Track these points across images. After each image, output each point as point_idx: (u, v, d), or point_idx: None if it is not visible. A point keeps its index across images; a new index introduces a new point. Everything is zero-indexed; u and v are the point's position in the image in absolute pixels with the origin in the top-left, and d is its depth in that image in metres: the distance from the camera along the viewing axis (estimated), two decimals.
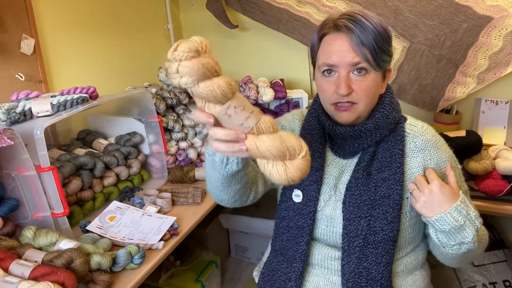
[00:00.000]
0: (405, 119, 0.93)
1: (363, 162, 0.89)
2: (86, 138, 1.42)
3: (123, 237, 1.06)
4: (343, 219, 0.87)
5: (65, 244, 0.92)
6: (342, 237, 0.87)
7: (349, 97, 0.83)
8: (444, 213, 0.78)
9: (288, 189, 0.94)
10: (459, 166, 0.93)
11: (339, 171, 0.93)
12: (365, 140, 0.88)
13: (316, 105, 0.96)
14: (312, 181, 0.91)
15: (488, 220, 1.68)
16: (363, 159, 0.89)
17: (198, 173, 1.45)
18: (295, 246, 0.91)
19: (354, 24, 0.81)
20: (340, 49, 0.82)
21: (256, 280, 1.09)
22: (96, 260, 0.89)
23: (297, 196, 0.92)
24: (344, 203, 0.87)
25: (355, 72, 0.83)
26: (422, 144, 0.88)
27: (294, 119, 1.02)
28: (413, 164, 0.88)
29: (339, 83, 0.83)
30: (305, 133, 0.97)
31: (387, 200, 0.84)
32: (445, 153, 0.90)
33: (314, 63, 0.92)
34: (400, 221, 0.84)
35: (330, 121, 0.90)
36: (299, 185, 0.92)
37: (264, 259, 1.10)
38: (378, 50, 0.81)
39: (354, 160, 0.92)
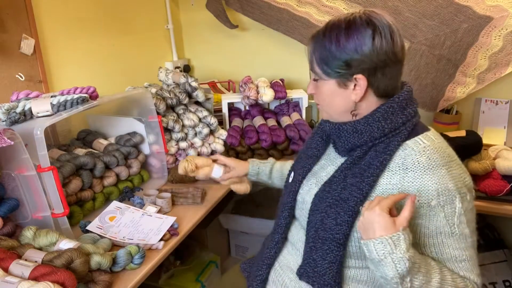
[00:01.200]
0: (422, 132, 0.84)
1: (346, 163, 0.89)
2: (86, 138, 1.42)
3: (123, 237, 1.06)
4: (309, 208, 0.90)
5: (65, 244, 0.92)
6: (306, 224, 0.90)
7: (315, 99, 0.92)
8: (369, 240, 0.72)
9: (290, 172, 1.05)
10: (459, 206, 0.77)
11: (332, 165, 0.94)
12: (345, 140, 0.89)
13: None
14: (303, 166, 0.99)
15: (488, 220, 1.68)
16: (347, 161, 0.89)
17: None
18: (278, 220, 1.00)
19: (318, 32, 0.86)
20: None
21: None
22: (96, 260, 0.89)
23: (291, 177, 1.02)
24: (315, 194, 0.90)
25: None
26: (409, 164, 0.79)
27: None
28: (391, 181, 0.80)
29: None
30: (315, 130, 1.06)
31: (343, 203, 0.83)
32: (436, 183, 0.77)
33: None
34: (351, 226, 0.82)
35: (323, 119, 0.96)
36: (294, 169, 1.04)
37: None
38: (319, 61, 0.85)
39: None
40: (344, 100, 0.87)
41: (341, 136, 0.89)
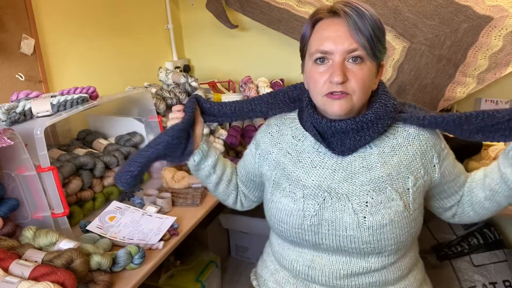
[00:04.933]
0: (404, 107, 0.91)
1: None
2: (86, 138, 1.42)
3: (123, 237, 1.06)
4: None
5: (65, 244, 0.92)
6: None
7: (343, 87, 0.79)
8: None
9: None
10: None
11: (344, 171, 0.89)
12: (367, 132, 0.84)
13: (306, 102, 0.91)
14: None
15: (488, 220, 1.68)
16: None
17: None
18: None
19: (351, 9, 0.78)
20: (335, 35, 0.79)
21: (254, 284, 1.08)
22: (96, 260, 0.89)
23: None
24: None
25: (350, 61, 0.79)
26: (415, 131, 0.87)
27: (267, 131, 0.99)
28: (410, 152, 0.86)
29: (333, 70, 0.79)
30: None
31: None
32: (440, 139, 0.90)
33: (303, 53, 0.89)
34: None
35: (326, 118, 0.85)
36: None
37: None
38: (375, 39, 0.78)
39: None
40: (371, 87, 0.84)
41: (363, 129, 0.83)
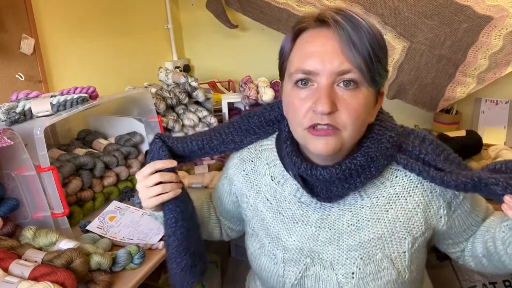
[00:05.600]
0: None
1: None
2: (86, 138, 1.42)
3: (123, 237, 1.06)
4: None
5: (65, 244, 0.92)
6: None
7: (330, 118, 0.61)
8: None
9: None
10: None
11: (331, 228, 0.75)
12: (357, 179, 0.68)
13: (286, 134, 0.74)
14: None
15: None
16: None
17: (198, 172, 1.45)
18: None
19: (343, 18, 0.60)
20: (322, 50, 0.61)
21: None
22: (96, 260, 0.89)
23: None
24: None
25: (341, 85, 0.62)
26: (418, 178, 0.70)
27: (241, 167, 0.84)
28: (411, 203, 0.71)
29: (318, 96, 0.61)
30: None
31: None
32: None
33: (282, 72, 0.71)
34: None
35: (305, 163, 0.68)
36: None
37: None
38: (374, 58, 0.60)
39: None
40: (367, 121, 0.67)
41: (352, 176, 0.67)
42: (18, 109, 1.08)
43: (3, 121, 1.07)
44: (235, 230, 0.99)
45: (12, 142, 0.92)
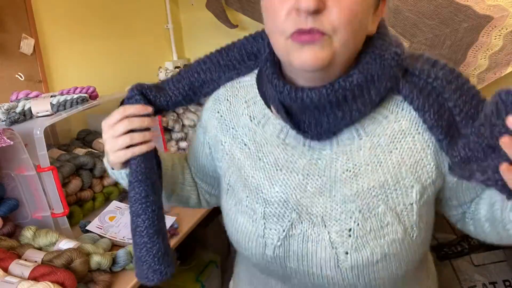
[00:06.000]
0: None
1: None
2: (86, 138, 1.42)
3: (123, 237, 1.06)
4: None
5: (65, 244, 0.92)
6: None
7: (317, 21, 0.48)
8: None
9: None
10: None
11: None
12: (353, 105, 0.55)
13: (266, 55, 0.61)
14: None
15: None
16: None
17: None
18: None
19: None
20: None
21: None
22: (96, 260, 0.89)
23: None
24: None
25: None
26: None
27: (215, 109, 0.70)
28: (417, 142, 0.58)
29: None
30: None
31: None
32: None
33: None
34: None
35: (289, 85, 0.55)
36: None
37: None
38: None
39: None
40: (364, 29, 0.53)
41: (346, 101, 0.54)
42: (18, 109, 1.08)
43: (3, 121, 1.07)
44: (213, 195, 0.82)
45: (12, 142, 0.91)
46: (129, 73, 1.82)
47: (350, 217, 0.58)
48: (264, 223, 0.62)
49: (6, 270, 0.81)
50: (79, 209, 1.17)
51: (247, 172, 0.65)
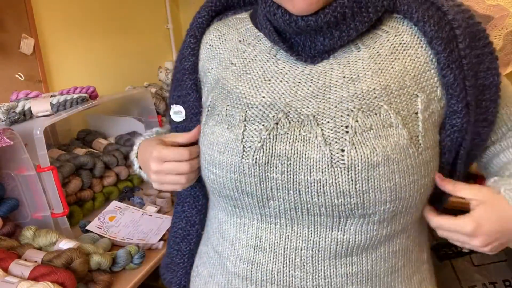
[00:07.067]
0: None
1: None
2: (86, 138, 1.42)
3: (123, 237, 1.06)
4: None
5: (65, 244, 0.92)
6: None
7: None
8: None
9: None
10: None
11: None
12: (351, 23, 0.52)
13: None
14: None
15: None
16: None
17: None
18: None
19: None
20: None
21: None
22: (96, 260, 0.89)
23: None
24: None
25: None
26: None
27: (204, 41, 0.69)
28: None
29: None
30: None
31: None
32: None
33: None
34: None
35: (283, 8, 0.52)
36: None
37: None
38: None
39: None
40: None
41: (344, 21, 0.51)
42: (18, 109, 1.08)
43: (3, 121, 1.08)
44: None
45: (12, 142, 0.92)
46: (129, 73, 1.82)
47: (348, 115, 0.51)
48: (245, 125, 0.54)
49: (6, 270, 0.81)
50: (79, 209, 1.17)
51: (231, 85, 0.59)
